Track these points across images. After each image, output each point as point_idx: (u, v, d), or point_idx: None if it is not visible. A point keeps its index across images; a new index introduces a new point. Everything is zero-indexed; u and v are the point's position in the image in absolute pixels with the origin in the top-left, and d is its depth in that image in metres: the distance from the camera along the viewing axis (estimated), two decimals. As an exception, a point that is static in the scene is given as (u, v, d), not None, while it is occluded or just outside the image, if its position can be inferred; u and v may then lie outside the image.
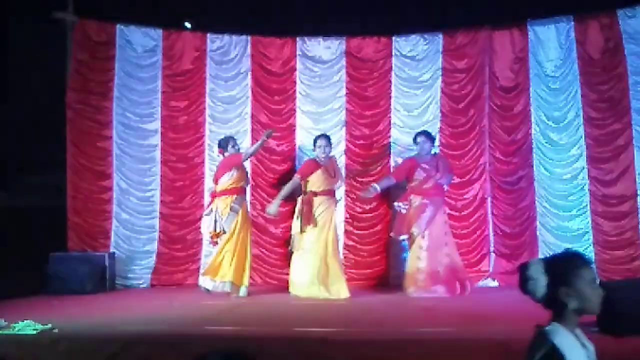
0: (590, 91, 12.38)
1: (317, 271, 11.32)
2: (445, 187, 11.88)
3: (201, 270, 12.21)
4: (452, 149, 12.72)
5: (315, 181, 11.64)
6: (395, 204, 11.96)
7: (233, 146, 11.84)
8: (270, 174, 12.98)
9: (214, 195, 11.83)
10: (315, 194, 11.61)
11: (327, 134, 12.11)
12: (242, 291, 11.44)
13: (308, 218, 11.52)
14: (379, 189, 11.78)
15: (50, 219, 12.50)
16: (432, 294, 11.14)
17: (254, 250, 12.31)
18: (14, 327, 8.18)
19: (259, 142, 11.72)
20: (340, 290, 11.27)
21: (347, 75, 13.08)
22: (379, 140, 12.88)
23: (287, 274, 12.23)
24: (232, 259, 11.38)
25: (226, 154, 11.80)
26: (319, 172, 11.63)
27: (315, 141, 11.83)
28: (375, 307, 10.50)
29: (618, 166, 12.22)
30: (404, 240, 11.85)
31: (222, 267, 11.41)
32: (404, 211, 11.70)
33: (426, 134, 11.86)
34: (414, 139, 11.90)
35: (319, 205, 11.54)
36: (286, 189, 11.80)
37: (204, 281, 11.53)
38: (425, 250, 11.38)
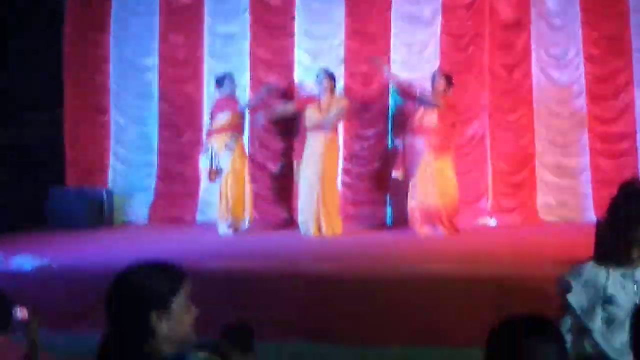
0: (592, 29, 12.29)
1: (308, 204, 11.38)
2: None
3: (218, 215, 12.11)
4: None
5: (307, 116, 11.69)
6: (395, 142, 11.98)
7: (230, 84, 11.79)
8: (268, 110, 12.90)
9: (210, 133, 11.84)
10: (308, 129, 11.65)
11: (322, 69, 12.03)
12: (242, 225, 11.52)
13: (299, 152, 11.59)
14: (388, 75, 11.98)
15: (49, 154, 12.48)
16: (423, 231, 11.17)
17: (252, 186, 12.31)
18: (12, 262, 8.20)
19: (257, 98, 11.78)
20: (333, 227, 11.33)
21: (347, 10, 12.95)
22: (379, 78, 12.79)
23: (285, 211, 12.32)
24: (232, 195, 11.42)
25: (222, 90, 11.76)
26: (310, 106, 11.65)
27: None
28: (372, 245, 10.53)
29: (618, 104, 12.20)
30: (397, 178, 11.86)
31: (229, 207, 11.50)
32: (399, 147, 11.72)
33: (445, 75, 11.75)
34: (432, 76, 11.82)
35: (310, 139, 11.57)
36: (278, 109, 12.06)
37: (221, 228, 11.57)
38: (413, 188, 11.37)
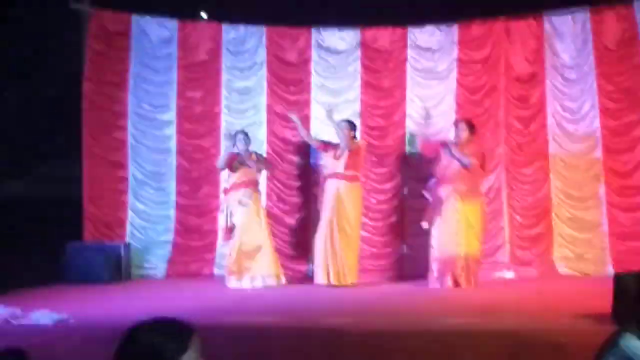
0: (606, 82, 12.37)
1: (323, 253, 11.43)
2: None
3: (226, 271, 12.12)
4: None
5: (325, 164, 11.82)
6: (423, 191, 11.99)
7: (243, 139, 11.88)
8: (285, 164, 12.97)
9: (225, 190, 11.94)
10: (325, 177, 11.77)
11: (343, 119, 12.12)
12: (274, 280, 11.59)
13: (320, 201, 11.70)
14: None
15: (66, 209, 12.54)
16: (442, 284, 11.12)
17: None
18: (30, 317, 8.22)
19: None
20: (345, 275, 11.39)
21: (362, 65, 13.06)
22: (394, 131, 12.85)
23: (302, 264, 12.38)
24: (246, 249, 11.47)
25: (236, 146, 11.86)
26: (327, 154, 11.75)
27: None
28: (388, 298, 10.52)
29: (634, 157, 12.24)
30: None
31: (245, 263, 11.52)
32: (429, 198, 11.71)
33: (467, 122, 11.80)
34: (455, 124, 11.89)
35: (327, 189, 11.65)
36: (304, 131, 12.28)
37: (231, 282, 11.61)
38: (435, 239, 11.35)
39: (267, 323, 8.28)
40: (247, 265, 11.57)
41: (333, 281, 11.27)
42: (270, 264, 11.62)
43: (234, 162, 11.81)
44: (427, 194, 11.74)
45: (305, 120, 12.98)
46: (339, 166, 11.63)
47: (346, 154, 11.63)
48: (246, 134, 11.98)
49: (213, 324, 8.09)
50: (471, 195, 11.37)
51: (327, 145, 12.02)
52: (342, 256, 11.47)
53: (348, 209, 11.63)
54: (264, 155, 12.59)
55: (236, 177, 11.78)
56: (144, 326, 3.16)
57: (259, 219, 11.72)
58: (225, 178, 12.25)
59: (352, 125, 11.87)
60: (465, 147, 11.49)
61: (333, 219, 11.45)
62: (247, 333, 7.62)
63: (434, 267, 11.28)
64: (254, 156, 11.98)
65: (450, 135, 11.87)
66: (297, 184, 12.98)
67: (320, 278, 11.37)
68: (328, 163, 11.77)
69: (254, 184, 11.87)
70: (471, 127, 11.65)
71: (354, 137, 11.80)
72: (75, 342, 7.78)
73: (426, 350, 7.36)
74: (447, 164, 11.45)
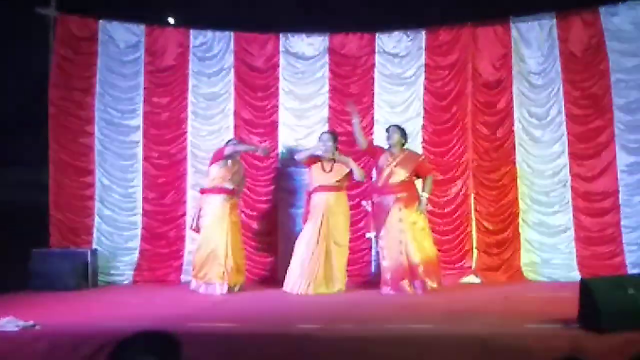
0: (573, 88, 12.45)
1: (301, 265, 11.38)
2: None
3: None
4: (435, 145, 12.76)
5: (313, 177, 11.79)
6: (362, 202, 12.04)
7: (232, 156, 11.90)
8: (253, 170, 12.94)
9: (202, 191, 11.91)
10: (310, 192, 11.83)
11: (309, 130, 12.17)
12: (236, 288, 11.54)
13: (305, 215, 11.75)
14: (356, 124, 11.72)
15: (33, 215, 12.45)
16: (399, 291, 11.09)
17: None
18: (-4, 323, 8.15)
19: (249, 147, 11.91)
20: (334, 283, 11.43)
21: (330, 71, 13.10)
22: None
23: (269, 270, 12.45)
24: (225, 262, 11.45)
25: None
26: (315, 167, 11.75)
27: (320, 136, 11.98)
28: (360, 304, 10.49)
29: (600, 163, 12.31)
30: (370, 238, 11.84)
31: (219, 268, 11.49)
32: (368, 209, 11.75)
33: (397, 126, 11.82)
34: (387, 130, 11.89)
35: (315, 201, 11.65)
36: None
37: (192, 283, 11.62)
38: (384, 249, 11.36)
39: (235, 329, 8.25)
40: (205, 270, 11.56)
41: (310, 292, 11.23)
42: (225, 270, 11.53)
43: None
44: (366, 205, 11.80)
45: (273, 126, 13.00)
46: (330, 179, 11.64)
47: (344, 171, 11.70)
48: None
49: (181, 330, 8.06)
50: (413, 199, 11.34)
51: (311, 160, 11.95)
52: (335, 265, 11.48)
53: (340, 219, 11.64)
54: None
55: (213, 177, 11.78)
56: (133, 342, 3.12)
57: (222, 225, 11.64)
58: (194, 182, 12.25)
59: (336, 137, 11.91)
60: (400, 152, 11.52)
61: (321, 231, 11.41)
62: (214, 339, 7.58)
63: (387, 276, 11.22)
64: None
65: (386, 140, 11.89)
66: (264, 190, 12.96)
67: (296, 288, 11.30)
68: (316, 176, 11.72)
69: (227, 192, 11.79)
70: (402, 131, 11.66)
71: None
72: (42, 349, 7.72)
73: (393, 355, 7.36)
74: (388, 175, 11.43)
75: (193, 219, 11.93)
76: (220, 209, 11.62)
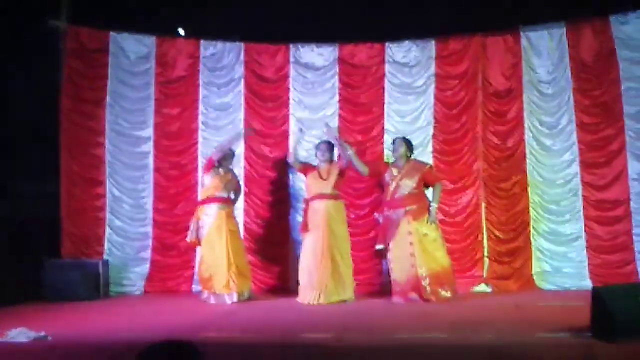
0: (583, 97, 12.43)
1: (309, 276, 11.39)
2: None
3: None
4: (445, 155, 12.74)
5: (309, 186, 11.80)
6: (375, 214, 12.03)
7: (225, 161, 11.94)
8: (263, 180, 12.96)
9: (198, 203, 11.96)
10: (307, 201, 11.78)
11: (319, 140, 12.14)
12: (239, 296, 11.55)
13: (304, 225, 11.66)
14: (352, 156, 11.75)
15: (44, 226, 12.48)
16: (409, 302, 11.11)
17: (249, 258, 12.36)
18: (8, 334, 8.17)
19: (232, 137, 12.04)
20: (339, 294, 11.39)
21: (340, 81, 13.10)
22: (372, 147, 12.87)
23: (280, 279, 12.44)
24: (228, 271, 11.46)
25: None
26: (311, 176, 11.75)
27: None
28: (368, 313, 10.49)
29: (611, 171, 12.28)
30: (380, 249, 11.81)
31: (223, 278, 11.51)
32: (380, 220, 11.73)
33: (402, 138, 11.85)
34: (393, 142, 11.93)
35: (314, 210, 11.61)
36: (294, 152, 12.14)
37: (203, 294, 11.64)
38: (393, 262, 11.38)
39: (247, 338, 8.25)
40: (211, 282, 11.61)
41: (322, 301, 11.24)
42: (230, 279, 11.55)
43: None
44: (377, 216, 11.79)
45: (283, 136, 13.02)
46: (327, 187, 11.64)
47: (335, 174, 11.67)
48: None
49: (193, 340, 8.07)
50: (423, 211, 11.36)
51: (307, 168, 12.02)
52: (343, 273, 11.50)
53: (340, 227, 11.66)
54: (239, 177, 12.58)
55: (206, 188, 11.91)
56: (156, 352, 3.10)
57: (220, 234, 11.67)
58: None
59: (333, 146, 11.93)
60: (405, 164, 11.56)
61: (325, 240, 11.40)
62: (226, 349, 7.59)
63: (397, 288, 11.27)
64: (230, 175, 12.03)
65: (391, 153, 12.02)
66: (274, 199, 12.96)
67: (309, 299, 11.32)
68: (313, 184, 11.74)
69: (221, 200, 11.82)
70: (408, 143, 11.70)
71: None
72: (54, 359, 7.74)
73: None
74: (395, 189, 11.45)
75: (190, 232, 11.92)
76: (216, 218, 11.67)
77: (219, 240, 11.58)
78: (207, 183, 11.83)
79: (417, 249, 11.15)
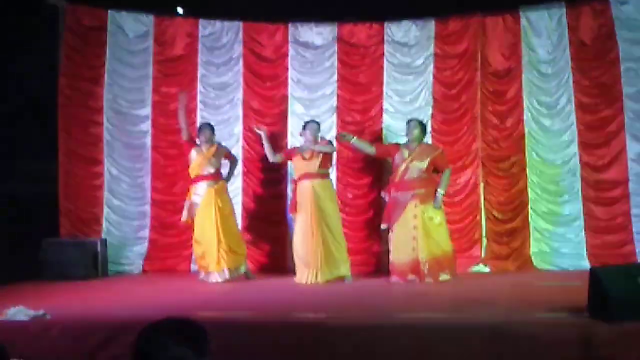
0: (582, 77, 12.41)
1: (304, 256, 11.42)
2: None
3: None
4: (444, 135, 12.72)
5: (295, 167, 11.82)
6: (381, 193, 11.99)
7: (200, 136, 12.00)
8: (260, 158, 12.92)
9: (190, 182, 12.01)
10: (295, 182, 11.75)
11: (318, 120, 12.12)
12: (241, 270, 11.65)
13: (293, 205, 11.67)
14: (355, 143, 11.78)
15: (43, 205, 12.47)
16: (407, 281, 11.14)
17: (246, 236, 12.39)
18: (6, 313, 8.18)
19: (180, 109, 12.05)
20: (333, 272, 11.40)
21: (339, 61, 13.06)
22: (371, 126, 12.86)
23: (281, 259, 12.46)
24: (218, 248, 11.49)
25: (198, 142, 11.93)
26: (295, 159, 11.75)
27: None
28: (366, 293, 10.52)
29: (610, 152, 12.27)
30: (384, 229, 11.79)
31: (213, 256, 11.53)
32: (387, 199, 11.69)
33: (417, 120, 11.79)
34: (407, 123, 11.87)
35: (301, 190, 11.58)
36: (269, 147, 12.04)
37: (208, 277, 11.66)
38: (394, 243, 11.38)
39: (244, 317, 8.27)
40: (204, 260, 11.69)
41: (320, 280, 11.26)
42: (220, 256, 11.59)
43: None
44: (384, 195, 11.75)
45: (283, 116, 13.01)
46: (313, 166, 11.58)
47: (321, 155, 11.65)
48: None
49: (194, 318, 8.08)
50: (431, 195, 11.36)
51: (290, 153, 12.00)
52: (335, 250, 11.48)
53: (328, 205, 11.59)
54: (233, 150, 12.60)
55: (191, 169, 11.98)
56: (161, 330, 3.08)
57: (209, 212, 11.71)
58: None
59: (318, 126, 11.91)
60: (418, 146, 11.50)
61: (313, 219, 11.38)
62: (224, 327, 7.60)
63: (395, 268, 11.28)
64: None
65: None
66: (272, 178, 12.96)
67: (305, 278, 11.33)
68: (299, 165, 11.70)
69: (206, 177, 11.85)
70: (422, 127, 11.66)
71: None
72: (52, 338, 7.75)
73: (402, 344, 7.37)
74: (404, 171, 11.42)
75: (184, 212, 11.94)
76: (205, 196, 11.72)
77: (208, 218, 11.62)
78: (191, 163, 11.86)
79: (420, 233, 11.14)
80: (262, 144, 12.10)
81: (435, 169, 11.52)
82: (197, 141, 11.94)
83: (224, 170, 12.12)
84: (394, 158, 11.58)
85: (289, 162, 12.26)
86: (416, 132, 11.50)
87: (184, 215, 11.91)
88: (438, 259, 11.20)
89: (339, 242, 11.60)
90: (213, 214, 11.63)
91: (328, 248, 11.39)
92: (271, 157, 12.00)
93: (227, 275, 11.47)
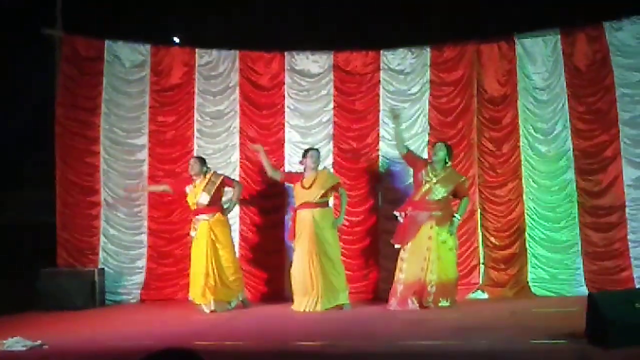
0: (578, 103, 12.43)
1: (303, 284, 11.37)
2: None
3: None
4: (440, 162, 12.73)
5: (296, 195, 11.78)
6: (394, 212, 11.95)
7: (191, 171, 12.02)
8: (258, 188, 12.96)
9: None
10: (295, 209, 11.72)
11: (316, 147, 12.15)
12: (231, 305, 11.60)
13: (291, 233, 11.65)
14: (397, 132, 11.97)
15: (40, 235, 12.48)
16: (404, 307, 11.10)
17: (243, 265, 12.38)
18: (4, 343, 8.16)
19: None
20: (331, 301, 11.35)
21: (335, 88, 13.10)
22: (367, 154, 12.88)
23: (279, 288, 12.44)
24: (205, 281, 11.49)
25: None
26: (297, 185, 11.72)
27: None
28: (365, 320, 10.49)
29: (606, 177, 12.27)
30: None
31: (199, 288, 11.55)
32: (401, 220, 11.64)
33: (444, 143, 11.78)
34: (432, 145, 11.96)
35: (301, 219, 11.57)
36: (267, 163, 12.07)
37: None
38: (405, 262, 11.35)
39: (241, 346, 8.26)
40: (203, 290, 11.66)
41: (318, 308, 11.23)
42: (204, 290, 11.58)
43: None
44: (399, 215, 11.70)
45: (279, 143, 13.03)
46: (313, 195, 11.57)
47: (321, 183, 11.64)
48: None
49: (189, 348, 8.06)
50: (446, 218, 11.38)
51: (291, 177, 12.00)
52: (334, 279, 11.46)
53: (327, 233, 11.57)
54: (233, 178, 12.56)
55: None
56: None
57: (200, 244, 11.72)
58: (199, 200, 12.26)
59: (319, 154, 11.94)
60: (442, 170, 11.47)
61: (313, 248, 11.35)
62: (221, 356, 7.59)
63: (398, 289, 11.26)
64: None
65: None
66: (269, 207, 12.94)
67: (303, 306, 11.30)
68: (299, 194, 11.67)
69: (199, 212, 11.86)
70: (449, 149, 11.62)
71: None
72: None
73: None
74: (427, 191, 11.40)
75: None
76: (199, 230, 11.72)
77: (200, 252, 11.64)
78: (187, 198, 11.92)
79: (432, 255, 11.15)
80: (261, 161, 12.13)
81: (454, 195, 11.56)
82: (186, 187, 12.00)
83: (227, 196, 12.10)
84: (418, 174, 11.56)
85: (284, 193, 12.25)
86: (441, 154, 11.47)
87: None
88: (444, 284, 11.19)
89: (339, 271, 11.58)
90: (204, 247, 11.62)
91: (327, 277, 11.38)
92: (270, 172, 12.00)
93: (212, 307, 11.44)
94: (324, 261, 11.39)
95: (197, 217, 11.76)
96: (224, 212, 11.97)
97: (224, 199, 12.00)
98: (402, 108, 12.83)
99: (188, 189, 11.90)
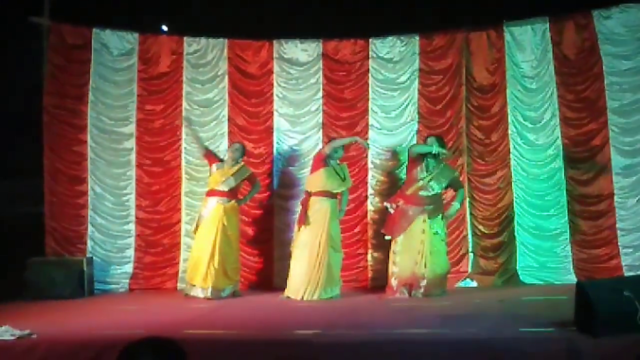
0: (567, 91, 12.45)
1: (309, 273, 11.33)
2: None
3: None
4: (430, 150, 12.73)
5: (313, 181, 11.69)
6: (385, 203, 11.94)
7: (229, 152, 12.14)
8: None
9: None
10: (310, 194, 11.64)
11: (304, 136, 12.18)
12: (224, 293, 11.57)
13: (301, 218, 11.59)
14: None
15: (28, 224, 12.43)
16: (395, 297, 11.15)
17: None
18: (-8, 332, 8.14)
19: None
20: (322, 291, 11.31)
21: (324, 77, 13.07)
22: (357, 144, 12.85)
23: (267, 278, 12.43)
24: (208, 264, 11.45)
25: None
26: (324, 170, 11.64)
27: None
28: (357, 309, 10.48)
29: (594, 166, 12.30)
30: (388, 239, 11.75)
31: (202, 271, 11.50)
32: (391, 211, 11.64)
33: (435, 137, 11.80)
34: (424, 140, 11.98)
35: (314, 205, 11.54)
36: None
37: (191, 290, 11.62)
38: (397, 255, 11.37)
39: (232, 335, 8.24)
40: (192, 273, 11.69)
41: (315, 297, 11.23)
42: (208, 273, 11.58)
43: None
44: (389, 207, 11.70)
45: (267, 132, 13.00)
46: (339, 186, 11.67)
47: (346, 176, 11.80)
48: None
49: (177, 337, 8.04)
50: (438, 210, 11.43)
51: (318, 160, 11.84)
52: (334, 270, 11.49)
53: (336, 225, 11.68)
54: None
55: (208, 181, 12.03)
56: (140, 350, 3.08)
57: (211, 228, 11.70)
58: (188, 189, 12.26)
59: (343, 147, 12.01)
60: (437, 166, 11.50)
61: (327, 238, 11.39)
62: (211, 345, 7.57)
63: (393, 281, 11.29)
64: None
65: None
66: (259, 196, 12.90)
67: (300, 294, 11.28)
68: (326, 180, 11.60)
69: (215, 193, 11.86)
70: (440, 142, 11.63)
71: None
72: (38, 358, 7.71)
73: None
74: (420, 187, 11.41)
75: (194, 223, 11.96)
76: (212, 212, 11.70)
77: (209, 233, 11.61)
78: (210, 177, 11.91)
79: (426, 249, 11.21)
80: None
81: (447, 187, 11.69)
82: (224, 157, 12.00)
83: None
84: (413, 170, 11.58)
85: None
86: (434, 148, 11.49)
87: (193, 226, 11.99)
88: (437, 278, 11.26)
89: (339, 263, 11.64)
90: (215, 231, 11.62)
91: (330, 269, 11.39)
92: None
93: (209, 293, 11.44)
94: (330, 253, 11.41)
95: (210, 197, 11.78)
96: (239, 202, 12.02)
97: None
98: (390, 96, 12.87)
99: (215, 167, 11.91)
